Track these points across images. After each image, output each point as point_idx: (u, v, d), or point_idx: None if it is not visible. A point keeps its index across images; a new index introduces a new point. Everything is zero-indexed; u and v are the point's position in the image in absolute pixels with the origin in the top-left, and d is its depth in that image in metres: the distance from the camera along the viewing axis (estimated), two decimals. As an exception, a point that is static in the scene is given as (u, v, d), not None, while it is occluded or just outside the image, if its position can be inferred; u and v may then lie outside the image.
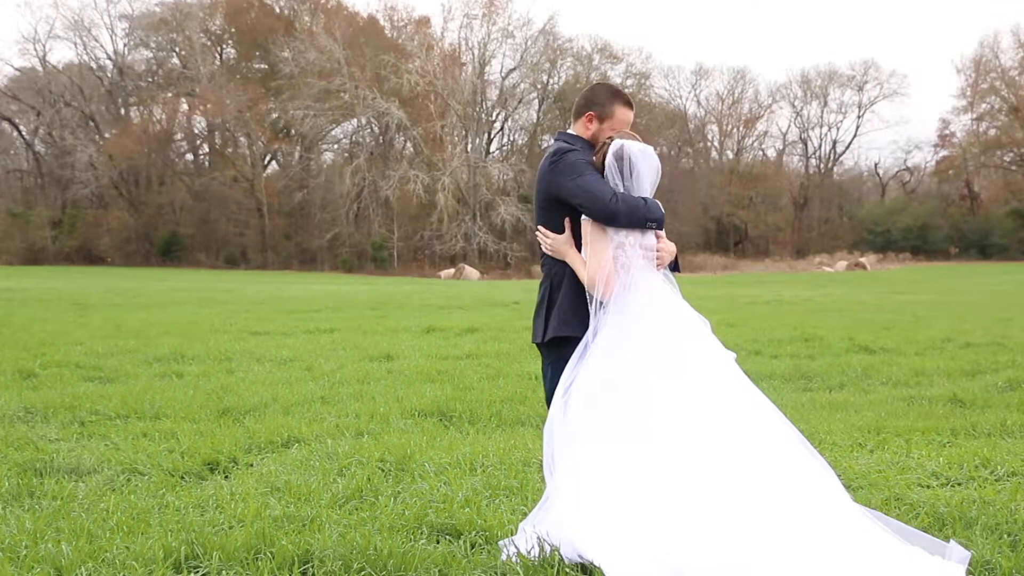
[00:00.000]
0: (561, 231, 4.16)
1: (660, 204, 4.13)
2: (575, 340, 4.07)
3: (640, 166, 4.00)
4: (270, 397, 7.92)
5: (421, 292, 28.55)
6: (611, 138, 4.07)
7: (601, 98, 4.26)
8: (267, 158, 59.77)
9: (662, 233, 4.18)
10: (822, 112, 65.98)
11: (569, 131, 4.33)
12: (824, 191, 65.51)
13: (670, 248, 4.18)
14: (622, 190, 4.02)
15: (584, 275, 4.01)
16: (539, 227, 4.21)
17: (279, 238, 56.90)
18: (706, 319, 4.08)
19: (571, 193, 4.05)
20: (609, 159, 3.99)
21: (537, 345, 4.31)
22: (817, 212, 64.95)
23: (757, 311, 19.33)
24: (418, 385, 8.76)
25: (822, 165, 66.99)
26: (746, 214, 62.84)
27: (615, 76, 60.64)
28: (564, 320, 4.13)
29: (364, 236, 55.57)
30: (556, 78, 59.63)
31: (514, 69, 58.71)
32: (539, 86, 59.36)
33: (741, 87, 66.55)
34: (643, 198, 4.04)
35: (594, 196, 3.98)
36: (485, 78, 58.49)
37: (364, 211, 56.38)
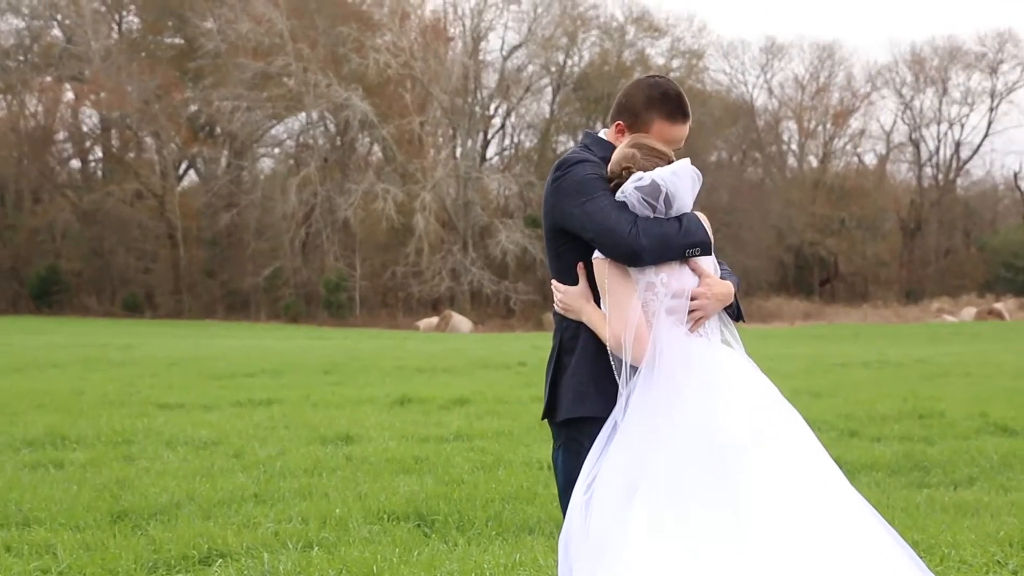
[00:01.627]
0: (572, 271, 4.17)
1: (703, 219, 4.12)
2: (596, 421, 4.08)
3: (679, 192, 4.03)
4: (184, 495, 7.89)
5: (393, 349, 28.52)
6: (628, 169, 4.04)
7: (635, 104, 4.23)
8: (183, 166, 60.12)
9: (708, 265, 4.15)
10: (940, 103, 66.37)
11: (601, 132, 4.36)
12: (944, 211, 65.67)
13: (719, 290, 4.13)
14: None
15: (606, 333, 4.04)
16: (553, 280, 4.24)
17: (198, 276, 57.05)
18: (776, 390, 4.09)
19: (579, 224, 4.05)
20: (632, 196, 4.00)
21: (548, 423, 4.34)
22: (934, 240, 65.12)
23: (852, 376, 19.28)
24: (388, 478, 8.73)
25: (941, 176, 67.22)
26: (836, 243, 62.96)
27: (656, 56, 61.09)
28: (580, 394, 4.14)
29: (315, 273, 55.71)
30: (576, 58, 60.14)
31: (519, 46, 59.19)
32: (553, 69, 59.81)
33: (829, 70, 67.07)
34: (677, 217, 4.04)
35: (607, 229, 3.97)
36: (480, 58, 58.97)
37: (315, 239, 56.56)
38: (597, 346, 4.10)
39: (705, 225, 4.10)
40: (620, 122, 4.24)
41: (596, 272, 4.05)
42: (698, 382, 3.96)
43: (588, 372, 4.12)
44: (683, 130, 4.23)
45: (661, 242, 3.96)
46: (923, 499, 8.04)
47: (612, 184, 4.07)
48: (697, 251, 4.04)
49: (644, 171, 4.03)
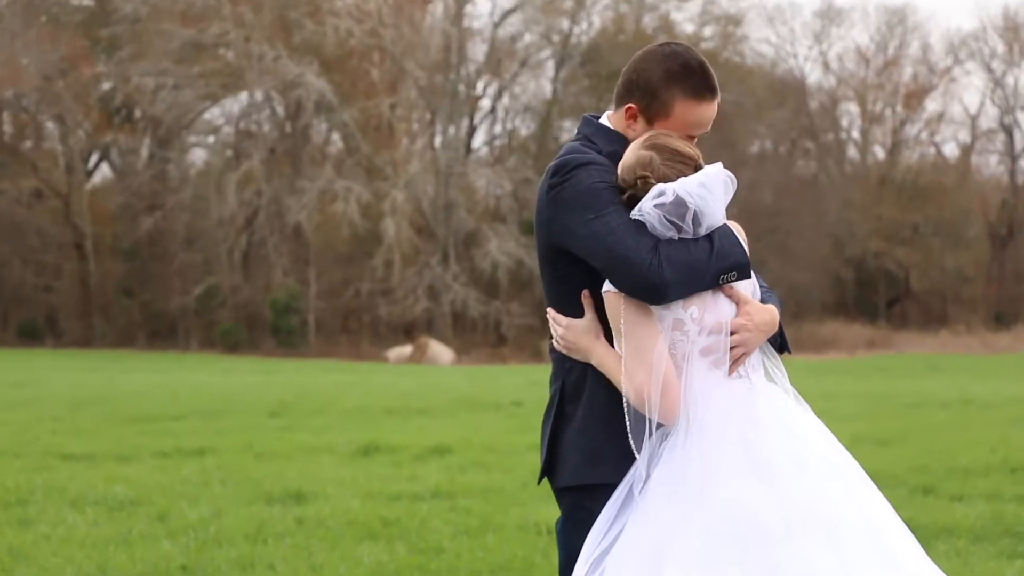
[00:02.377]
0: (575, 299, 4.14)
1: (738, 231, 4.10)
2: (609, 487, 4.06)
3: (708, 207, 4.02)
4: (94, 568, 7.89)
5: (356, 385, 28.49)
6: (645, 178, 4.01)
7: (651, 80, 4.17)
8: (93, 158, 60.08)
9: (746, 288, 4.14)
10: (1039, 81, 66.56)
11: (604, 116, 4.33)
12: (1043, 215, 65.77)
13: (762, 318, 4.11)
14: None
15: (624, 383, 4.02)
16: (549, 309, 4.22)
17: (113, 294, 56.98)
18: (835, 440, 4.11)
19: (584, 248, 4.01)
20: (652, 216, 3.98)
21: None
22: (1032, 250, 65.19)
23: (927, 419, 19.29)
24: (348, 545, 8.73)
25: (1040, 170, 67.37)
26: (908, 254, 63.07)
27: (684, 23, 61.26)
28: (591, 455, 4.12)
29: (259, 291, 55.69)
30: (584, 25, 60.33)
31: (514, 10, 59.35)
32: (556, 38, 59.98)
33: (900, 39, 67.23)
34: (708, 236, 4.00)
35: (621, 257, 3.91)
36: (465, 25, 59.10)
37: (259, 249, 56.55)
38: (610, 394, 4.05)
39: (741, 240, 4.07)
40: (632, 104, 4.18)
41: (609, 308, 4.02)
42: (738, 444, 3.96)
43: (601, 427, 4.09)
44: (711, 109, 4.18)
45: (689, 271, 3.92)
46: (1016, 572, 8.06)
47: (625, 196, 4.03)
48: (734, 276, 4.01)
49: (665, 181, 4.00)
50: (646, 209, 3.95)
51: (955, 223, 64.10)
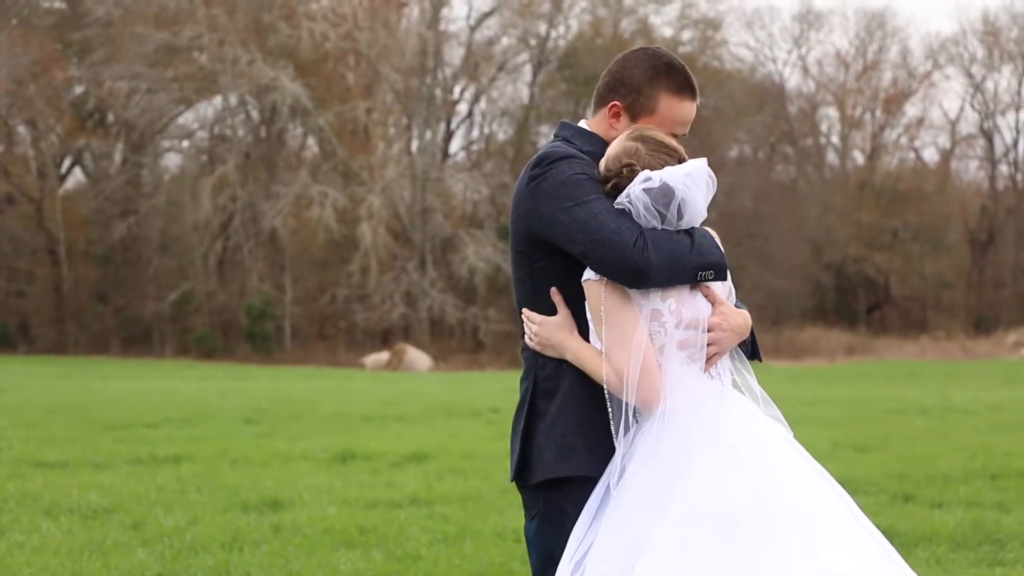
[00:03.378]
0: (547, 295, 4.18)
1: (714, 235, 4.16)
2: (583, 482, 4.10)
3: (692, 199, 4.05)
4: None
5: (332, 392, 28.47)
6: (631, 166, 4.07)
7: (635, 78, 4.26)
8: (66, 163, 59.92)
9: (722, 291, 4.19)
10: (1020, 85, 66.73)
11: (581, 122, 4.38)
12: (1023, 220, 65.97)
13: (736, 321, 4.17)
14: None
15: (604, 373, 4.05)
16: (523, 310, 4.25)
17: (86, 301, 56.83)
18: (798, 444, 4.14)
19: (566, 234, 4.05)
20: (639, 201, 4.01)
21: (517, 486, 4.35)
22: (1011, 256, 65.37)
23: (907, 426, 19.35)
24: (325, 552, 8.73)
25: (1020, 175, 67.55)
26: (888, 259, 63.21)
27: (662, 27, 61.37)
28: (565, 449, 4.14)
29: (234, 297, 55.59)
30: (562, 29, 60.37)
31: (491, 13, 59.38)
32: (533, 42, 60.03)
33: (879, 43, 67.44)
34: (688, 231, 4.06)
35: (606, 240, 3.96)
36: (442, 29, 59.12)
37: (234, 254, 56.46)
38: (584, 388, 4.11)
39: (717, 244, 4.12)
40: (616, 102, 4.26)
41: (589, 296, 4.06)
42: (709, 439, 3.99)
43: (574, 421, 4.12)
44: (692, 109, 4.27)
45: (672, 258, 3.97)
46: (995, 578, 8.09)
47: (609, 185, 4.08)
48: (711, 274, 4.06)
49: (651, 169, 4.05)
50: (634, 194, 4.00)
51: (935, 228, 64.23)
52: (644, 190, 3.99)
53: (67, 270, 55.83)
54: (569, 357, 4.12)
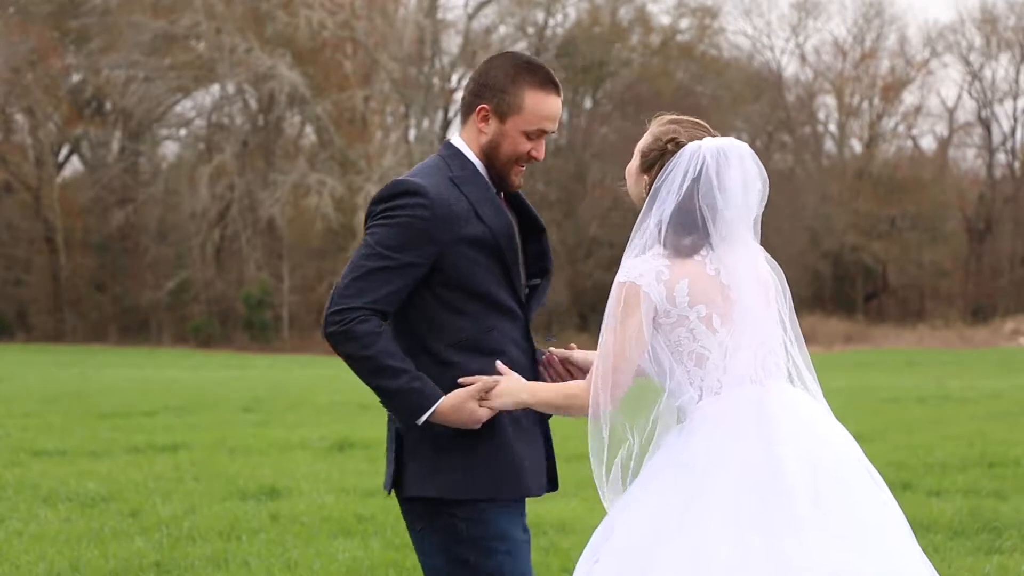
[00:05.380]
0: (401, 308, 4.27)
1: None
2: (460, 505, 4.21)
3: (731, 186, 4.08)
4: (67, 565, 7.86)
5: (330, 380, 28.48)
6: (674, 140, 4.12)
7: (498, 79, 4.34)
8: (64, 151, 59.85)
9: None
10: (1018, 73, 66.73)
11: (455, 138, 4.45)
12: (1021, 208, 65.95)
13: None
14: (703, 249, 4.08)
15: (582, 397, 4.17)
16: (464, 379, 4.26)
17: (84, 289, 56.81)
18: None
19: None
20: (675, 179, 4.06)
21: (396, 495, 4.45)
22: (1009, 244, 65.36)
23: (905, 414, 19.36)
24: (323, 541, 8.73)
25: (1018, 164, 67.53)
26: (885, 247, 63.22)
27: (660, 15, 61.34)
28: (433, 468, 4.25)
29: (231, 286, 55.56)
30: (560, 17, 60.33)
31: (488, 2, 59.31)
32: (531, 31, 59.98)
33: (877, 31, 67.39)
34: (380, 356, 4.16)
35: (333, 295, 4.16)
36: (439, 17, 59.05)
37: (232, 243, 56.41)
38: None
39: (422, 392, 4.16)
40: (484, 105, 4.33)
41: (611, 297, 4.08)
42: (746, 440, 4.00)
43: (444, 440, 4.23)
44: (558, 105, 4.37)
45: (360, 353, 4.14)
46: (993, 568, 8.09)
47: (650, 158, 4.14)
48: (399, 420, 4.23)
49: (694, 140, 4.11)
50: (666, 182, 4.07)
51: (932, 217, 64.21)
52: (682, 171, 4.06)
53: (65, 258, 55.76)
54: (531, 403, 4.21)
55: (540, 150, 4.37)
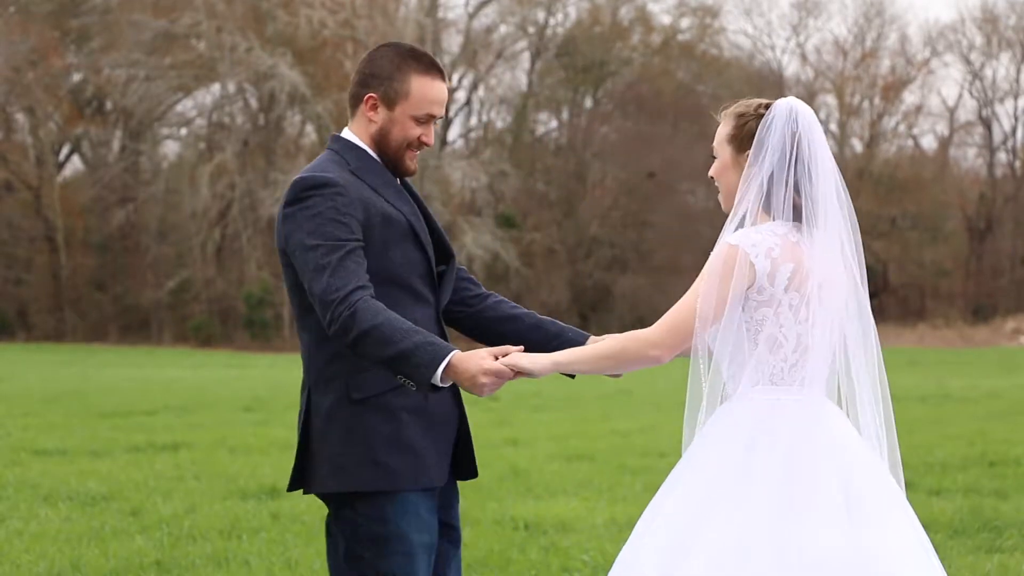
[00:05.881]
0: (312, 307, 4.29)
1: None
2: (361, 494, 4.25)
3: (820, 150, 4.14)
4: (67, 564, 7.86)
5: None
6: (763, 104, 4.20)
7: (383, 67, 4.41)
8: (64, 151, 59.86)
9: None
10: (1019, 72, 66.72)
11: (345, 131, 4.50)
12: (1022, 208, 65.96)
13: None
14: (804, 226, 4.12)
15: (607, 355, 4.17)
16: (507, 358, 4.23)
17: (85, 288, 56.81)
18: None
19: (301, 270, 4.24)
20: (775, 139, 4.10)
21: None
22: (1010, 244, 65.36)
23: (905, 413, 19.35)
24: (323, 540, 8.71)
25: (1018, 163, 67.53)
26: (886, 247, 63.22)
27: (660, 14, 61.38)
28: (336, 466, 4.28)
29: (232, 285, 55.56)
30: (560, 16, 60.35)
31: (488, 1, 59.34)
32: (532, 30, 60.01)
33: (877, 31, 67.38)
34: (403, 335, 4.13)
35: (317, 295, 4.16)
36: (440, 16, 59.07)
37: (232, 242, 56.40)
38: (352, 405, 4.25)
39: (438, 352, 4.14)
40: (371, 94, 4.39)
41: (712, 256, 4.08)
42: (779, 447, 4.03)
43: (342, 437, 4.27)
44: (444, 90, 4.43)
45: (372, 336, 4.07)
46: (994, 567, 8.09)
47: (747, 129, 4.17)
48: (411, 385, 4.14)
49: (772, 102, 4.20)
50: (769, 147, 4.11)
51: (933, 216, 64.22)
52: (780, 131, 4.12)
53: (65, 258, 55.78)
54: (559, 371, 4.21)
55: (430, 135, 4.45)
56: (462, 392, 4.40)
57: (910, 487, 11.27)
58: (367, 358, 4.12)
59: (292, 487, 4.42)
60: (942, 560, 8.00)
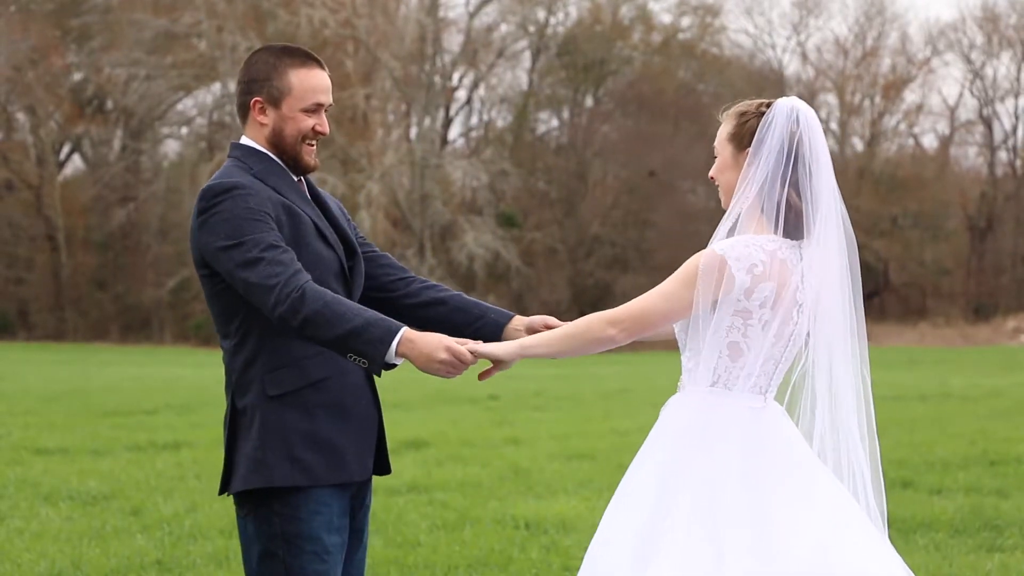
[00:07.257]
0: (232, 313, 4.34)
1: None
2: (282, 490, 4.28)
3: (820, 150, 4.14)
4: (68, 563, 7.87)
5: (329, 380, 28.44)
6: (765, 103, 4.18)
7: (261, 70, 4.49)
8: (65, 150, 59.88)
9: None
10: (1019, 71, 66.70)
11: (243, 138, 4.53)
12: (1023, 206, 65.97)
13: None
14: (787, 219, 4.13)
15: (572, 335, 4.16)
16: (457, 348, 4.18)
17: (86, 287, 56.82)
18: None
19: (227, 274, 4.22)
20: (775, 138, 4.09)
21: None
22: (1011, 242, 65.33)
23: (906, 412, 19.37)
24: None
25: (1019, 162, 67.52)
26: (887, 246, 63.18)
27: (661, 13, 61.36)
28: (257, 461, 4.33)
29: (231, 284, 55.51)
30: (561, 15, 60.31)
31: (489, 0, 59.32)
32: (532, 29, 59.97)
33: (878, 30, 67.37)
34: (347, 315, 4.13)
35: (256, 286, 4.14)
36: (441, 15, 59.04)
37: (232, 240, 56.32)
38: (271, 402, 4.29)
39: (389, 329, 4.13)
40: (257, 99, 4.46)
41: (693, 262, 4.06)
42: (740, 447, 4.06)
43: (261, 434, 4.31)
44: (326, 77, 4.50)
45: (323, 317, 4.06)
46: (995, 566, 8.09)
47: (748, 126, 4.14)
48: (363, 362, 4.12)
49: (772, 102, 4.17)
50: (767, 144, 4.10)
51: (934, 215, 64.19)
52: (780, 129, 4.10)
53: (66, 257, 55.80)
54: (527, 356, 4.22)
55: (324, 124, 4.50)
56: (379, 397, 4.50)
57: (911, 486, 11.29)
58: (316, 339, 4.10)
59: (221, 490, 4.50)
60: (943, 560, 8.03)
